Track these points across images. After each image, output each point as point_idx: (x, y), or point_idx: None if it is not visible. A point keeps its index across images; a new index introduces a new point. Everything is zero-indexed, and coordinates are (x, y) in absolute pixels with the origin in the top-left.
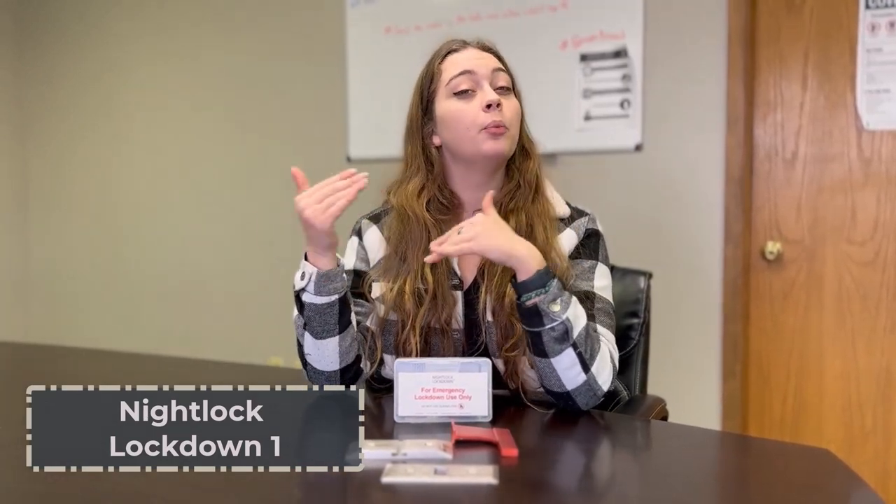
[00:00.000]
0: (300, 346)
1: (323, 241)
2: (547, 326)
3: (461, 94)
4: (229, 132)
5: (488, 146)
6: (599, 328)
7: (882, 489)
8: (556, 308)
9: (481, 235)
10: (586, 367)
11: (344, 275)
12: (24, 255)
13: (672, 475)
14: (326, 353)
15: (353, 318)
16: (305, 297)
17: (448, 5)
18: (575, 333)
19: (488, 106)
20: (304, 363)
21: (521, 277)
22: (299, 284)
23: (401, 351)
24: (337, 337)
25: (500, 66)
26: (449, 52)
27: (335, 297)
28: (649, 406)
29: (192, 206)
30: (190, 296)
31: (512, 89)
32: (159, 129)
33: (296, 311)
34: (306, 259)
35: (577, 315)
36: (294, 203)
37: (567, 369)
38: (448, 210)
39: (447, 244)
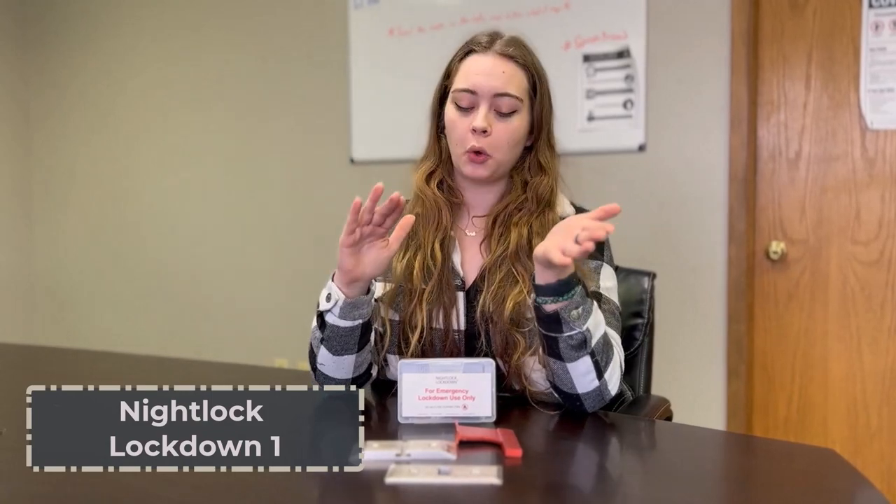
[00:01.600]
0: (313, 355)
1: (345, 266)
2: (565, 334)
3: (461, 107)
4: (233, 134)
5: (467, 170)
6: (607, 329)
7: (888, 489)
8: (577, 317)
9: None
10: (601, 374)
11: (372, 300)
12: (29, 257)
13: (677, 475)
14: (342, 367)
15: (373, 334)
16: (329, 318)
17: (451, 7)
18: (593, 342)
19: (473, 130)
20: (314, 368)
21: (551, 279)
22: (324, 305)
23: (408, 328)
24: (355, 354)
25: (507, 90)
26: (470, 52)
27: (359, 321)
28: (654, 406)
29: (196, 208)
30: (195, 298)
31: (517, 111)
32: (163, 131)
33: (314, 322)
34: (333, 278)
35: (597, 323)
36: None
37: (582, 375)
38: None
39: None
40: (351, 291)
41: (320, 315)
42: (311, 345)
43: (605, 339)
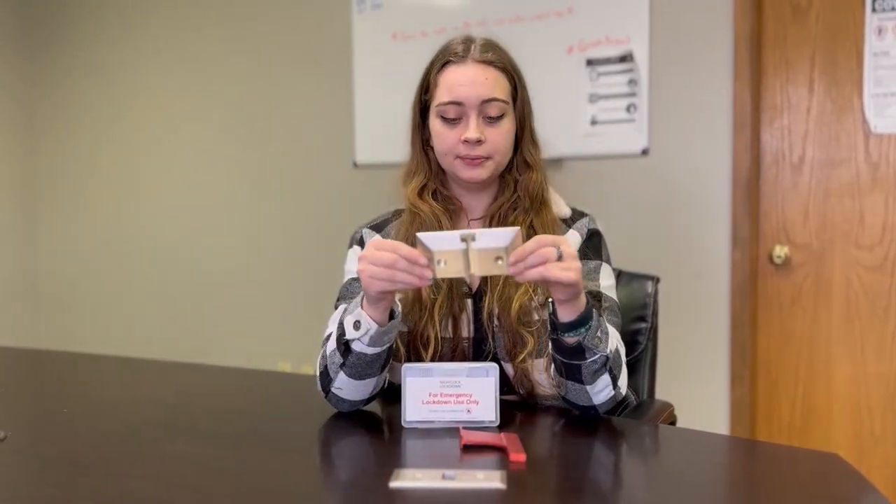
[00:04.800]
0: (327, 378)
1: (373, 298)
2: (588, 360)
3: (447, 119)
4: (237, 138)
5: (464, 174)
6: (609, 327)
7: (893, 494)
8: (599, 342)
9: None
10: (616, 383)
11: (399, 323)
12: (33, 260)
13: (681, 480)
14: (361, 389)
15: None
16: (356, 347)
17: (454, 11)
18: (611, 359)
19: (465, 141)
20: (327, 391)
21: (571, 316)
22: (352, 334)
23: (419, 341)
24: (376, 377)
25: (493, 94)
26: (447, 63)
27: (387, 346)
28: (657, 411)
29: (201, 212)
30: (198, 301)
31: (505, 114)
32: (167, 134)
33: (332, 346)
34: (361, 305)
35: (611, 338)
36: (367, 245)
37: (600, 391)
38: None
39: (553, 268)
40: (379, 315)
41: (344, 343)
42: (325, 368)
43: (617, 349)
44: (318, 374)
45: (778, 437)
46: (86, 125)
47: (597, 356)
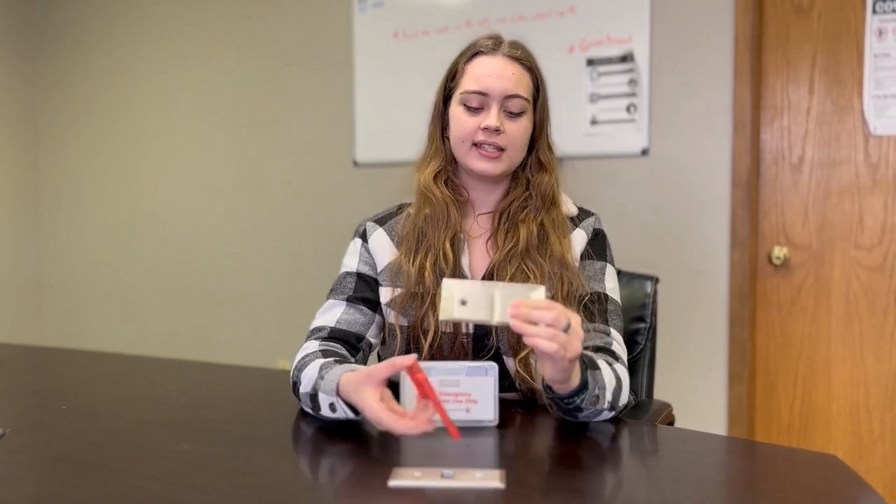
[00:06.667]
0: (295, 392)
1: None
2: (585, 412)
3: (469, 107)
4: (239, 136)
5: (478, 165)
6: (612, 331)
7: (890, 496)
8: (596, 400)
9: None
10: (615, 408)
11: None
12: (36, 258)
13: (679, 480)
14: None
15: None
16: (325, 415)
17: (456, 10)
18: (609, 402)
19: (485, 129)
20: (297, 396)
21: (564, 391)
22: (326, 412)
23: (420, 333)
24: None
25: (517, 91)
26: (477, 53)
27: None
28: (656, 411)
29: (202, 210)
30: (199, 299)
31: (525, 112)
32: (169, 133)
33: (304, 388)
34: (338, 391)
35: (609, 384)
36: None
37: (599, 420)
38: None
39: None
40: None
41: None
42: (296, 383)
43: (618, 383)
44: (291, 373)
45: (777, 437)
46: (87, 124)
47: (593, 409)
